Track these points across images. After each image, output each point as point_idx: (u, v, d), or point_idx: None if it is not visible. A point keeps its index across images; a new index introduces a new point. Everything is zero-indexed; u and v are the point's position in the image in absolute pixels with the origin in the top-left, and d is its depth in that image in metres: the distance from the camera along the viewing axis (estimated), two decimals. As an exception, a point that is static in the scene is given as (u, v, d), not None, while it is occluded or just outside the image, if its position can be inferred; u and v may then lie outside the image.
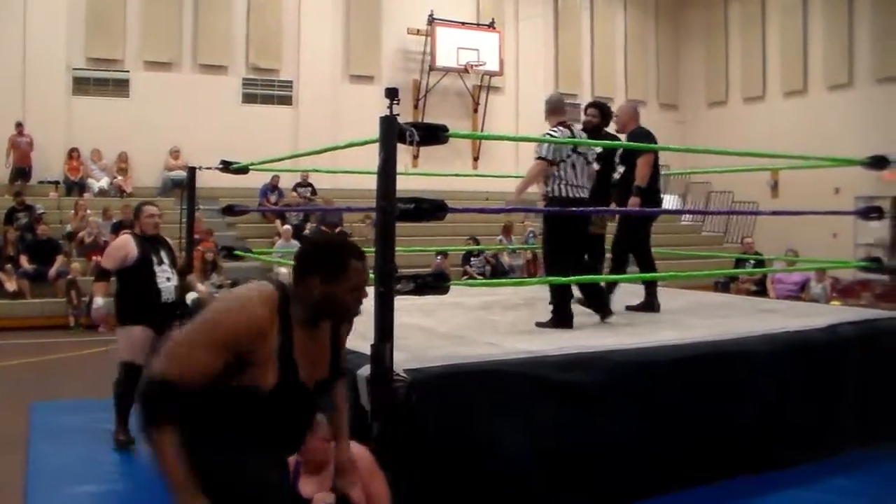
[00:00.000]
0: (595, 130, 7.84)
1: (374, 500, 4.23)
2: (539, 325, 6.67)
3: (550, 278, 6.76)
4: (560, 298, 6.73)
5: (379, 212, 4.79)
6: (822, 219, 15.24)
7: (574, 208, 6.78)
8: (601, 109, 8.01)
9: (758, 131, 21.93)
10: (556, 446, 5.16)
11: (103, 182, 18.11)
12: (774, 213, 9.33)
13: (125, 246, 6.84)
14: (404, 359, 4.86)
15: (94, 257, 14.88)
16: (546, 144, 6.77)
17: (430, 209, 5.19)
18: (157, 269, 6.82)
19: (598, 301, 7.05)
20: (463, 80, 21.99)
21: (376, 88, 20.30)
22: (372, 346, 4.69)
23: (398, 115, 4.98)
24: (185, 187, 9.88)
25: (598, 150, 7.52)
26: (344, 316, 3.08)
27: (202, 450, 2.84)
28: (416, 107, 21.25)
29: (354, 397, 4.85)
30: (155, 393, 2.82)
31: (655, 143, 7.72)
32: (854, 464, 6.10)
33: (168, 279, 6.88)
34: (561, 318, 6.66)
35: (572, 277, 6.67)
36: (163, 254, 6.95)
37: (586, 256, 7.63)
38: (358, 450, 4.36)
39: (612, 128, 8.11)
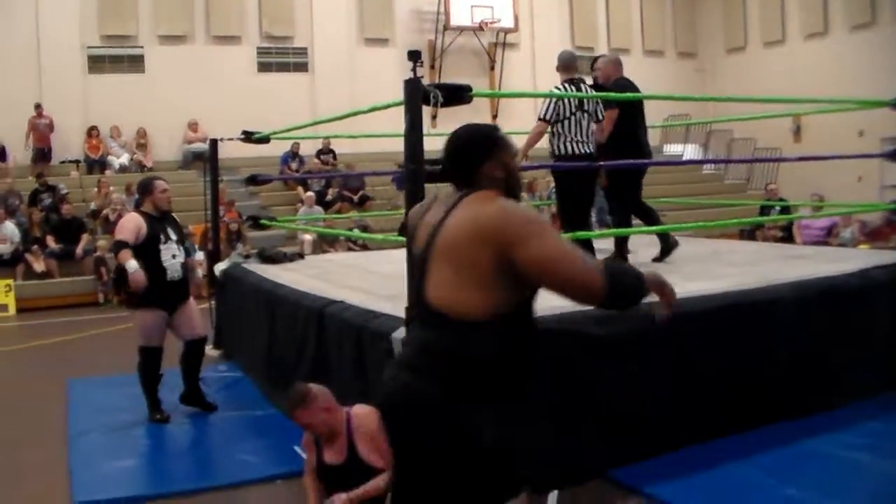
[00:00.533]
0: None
1: (386, 458, 4.28)
2: None
3: (576, 233, 6.80)
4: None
5: (408, 174, 4.80)
6: (846, 162, 15.11)
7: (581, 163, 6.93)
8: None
9: (778, 76, 21.70)
10: (591, 399, 5.19)
11: (123, 159, 18.15)
12: (801, 158, 9.28)
13: (137, 222, 6.60)
14: (437, 319, 4.87)
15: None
16: (546, 105, 6.96)
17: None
18: (162, 247, 6.61)
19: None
20: (478, 38, 21.84)
21: (391, 51, 20.34)
22: (406, 308, 4.71)
23: (422, 77, 4.99)
24: (206, 160, 9.92)
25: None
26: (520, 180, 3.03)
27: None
28: (432, 67, 21.10)
29: (389, 358, 4.89)
30: (617, 290, 2.78)
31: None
32: (888, 407, 6.07)
33: (174, 256, 6.68)
34: None
35: (593, 232, 6.71)
36: (170, 230, 6.75)
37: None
38: (362, 412, 4.42)
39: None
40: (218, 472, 5.56)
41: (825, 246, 12.89)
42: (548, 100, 6.99)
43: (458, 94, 5.38)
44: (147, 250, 6.54)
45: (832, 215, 15.02)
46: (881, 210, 11.76)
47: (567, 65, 7.29)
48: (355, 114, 6.80)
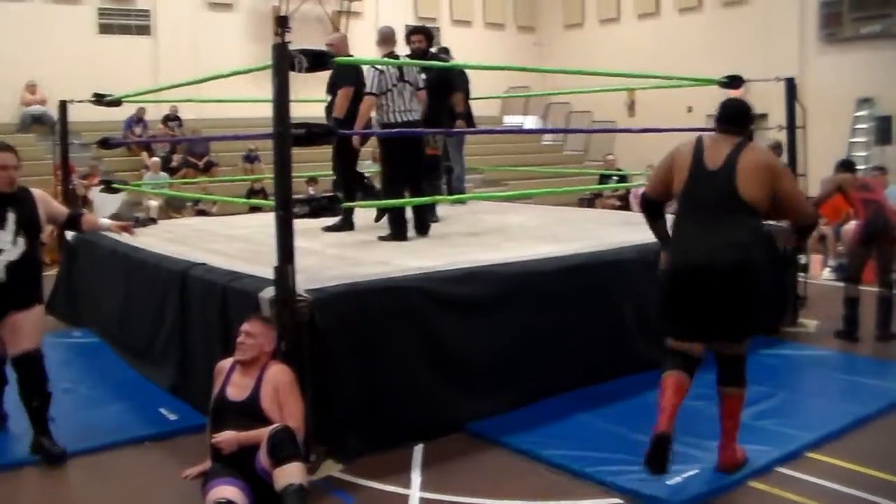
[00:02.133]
0: (423, 55, 8.15)
1: (287, 417, 4.44)
2: (381, 238, 7.27)
3: (420, 199, 7.28)
4: (396, 214, 7.33)
5: (276, 137, 4.90)
6: (677, 135, 15.76)
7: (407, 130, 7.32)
8: (425, 34, 8.35)
9: (613, 52, 22.48)
10: (452, 355, 5.47)
11: None
12: (643, 130, 9.75)
13: None
14: (303, 280, 5.02)
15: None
16: (372, 79, 7.24)
17: (321, 133, 5.38)
18: None
19: (397, 221, 7.40)
20: (322, 6, 21.71)
21: (235, 16, 20.14)
22: (275, 268, 4.85)
23: (289, 42, 5.11)
24: (48, 123, 9.65)
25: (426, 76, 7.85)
26: None
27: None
28: (276, 33, 20.85)
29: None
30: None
31: (361, 75, 7.74)
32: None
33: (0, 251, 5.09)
34: (397, 233, 7.26)
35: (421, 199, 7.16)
36: (9, 216, 5.12)
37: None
38: (278, 367, 4.57)
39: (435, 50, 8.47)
40: (86, 436, 5.46)
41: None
42: (371, 74, 7.28)
43: (321, 60, 5.54)
44: None
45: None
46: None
47: (384, 39, 7.74)
48: (216, 77, 6.79)
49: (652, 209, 4.97)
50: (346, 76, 7.50)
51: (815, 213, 4.64)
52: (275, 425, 4.25)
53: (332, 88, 7.69)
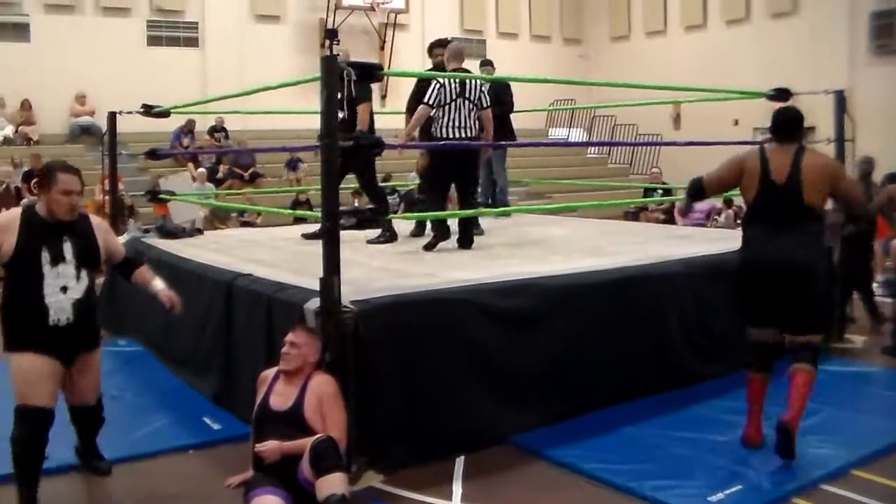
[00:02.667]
0: (443, 68, 8.14)
1: (330, 427, 4.45)
2: (425, 248, 7.26)
3: (462, 211, 7.34)
4: (440, 222, 7.40)
5: (323, 149, 4.92)
6: (722, 149, 15.68)
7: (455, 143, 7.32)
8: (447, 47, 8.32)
9: (659, 65, 22.34)
10: (497, 368, 5.45)
11: (7, 130, 17.41)
12: (689, 143, 9.62)
13: (5, 227, 4.44)
14: (349, 291, 5.04)
15: (3, 209, 14.55)
16: (431, 90, 7.26)
17: (368, 145, 5.40)
18: (46, 271, 4.41)
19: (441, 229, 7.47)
20: (369, 18, 21.86)
21: (282, 28, 20.33)
22: (321, 279, 4.87)
23: (339, 54, 5.14)
24: (96, 133, 9.76)
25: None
26: None
27: None
28: (322, 46, 21.02)
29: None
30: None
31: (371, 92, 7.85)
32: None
33: (64, 288, 4.45)
34: (441, 232, 7.33)
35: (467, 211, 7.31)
36: (67, 246, 4.49)
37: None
38: (322, 377, 4.59)
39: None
40: (130, 443, 5.52)
41: (704, 228, 13.47)
42: (433, 85, 7.31)
43: (369, 72, 5.56)
44: (21, 271, 4.42)
45: (712, 198, 15.63)
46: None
47: (455, 54, 7.75)
48: (265, 89, 6.85)
49: (697, 196, 5.49)
50: (366, 92, 7.53)
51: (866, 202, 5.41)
52: (318, 436, 4.26)
53: (350, 105, 7.52)
